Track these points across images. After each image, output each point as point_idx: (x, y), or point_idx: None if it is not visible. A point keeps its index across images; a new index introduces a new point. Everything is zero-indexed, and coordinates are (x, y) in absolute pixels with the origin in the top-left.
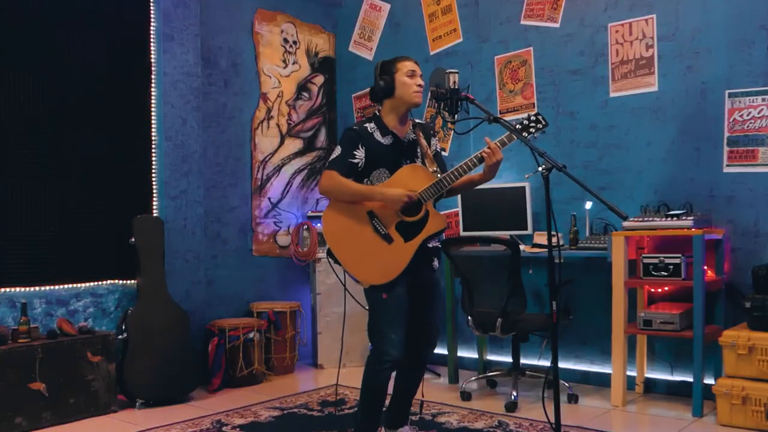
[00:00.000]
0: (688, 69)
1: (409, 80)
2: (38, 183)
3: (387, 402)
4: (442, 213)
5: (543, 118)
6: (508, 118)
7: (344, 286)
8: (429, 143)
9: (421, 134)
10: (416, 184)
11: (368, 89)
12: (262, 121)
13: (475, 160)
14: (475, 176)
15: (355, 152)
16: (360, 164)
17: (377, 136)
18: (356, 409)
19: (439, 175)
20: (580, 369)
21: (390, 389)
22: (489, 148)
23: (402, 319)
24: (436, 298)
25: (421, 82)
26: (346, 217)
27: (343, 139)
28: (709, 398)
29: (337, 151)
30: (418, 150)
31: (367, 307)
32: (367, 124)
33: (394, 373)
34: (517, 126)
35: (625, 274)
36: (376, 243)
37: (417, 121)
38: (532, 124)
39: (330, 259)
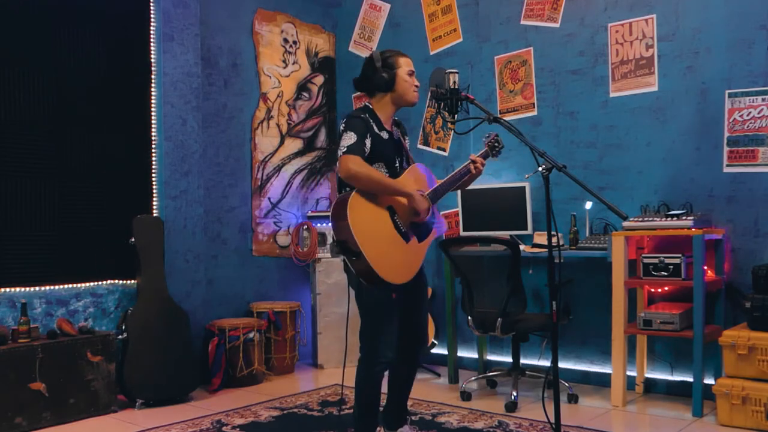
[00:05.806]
0: (688, 69)
1: (410, 78)
2: (38, 183)
3: (383, 401)
4: (441, 213)
5: (499, 142)
6: (508, 118)
7: (348, 285)
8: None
9: (400, 132)
10: (422, 185)
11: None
12: (262, 121)
13: (465, 170)
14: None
15: (365, 140)
16: (367, 154)
17: (375, 129)
18: (353, 410)
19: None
20: (580, 369)
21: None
22: (476, 164)
23: (396, 319)
24: (425, 295)
25: (418, 83)
26: (372, 210)
27: (352, 126)
28: (709, 398)
29: (351, 137)
30: (402, 148)
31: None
32: (365, 114)
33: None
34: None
35: (625, 274)
36: (396, 241)
37: (394, 118)
38: (495, 146)
39: (341, 252)
